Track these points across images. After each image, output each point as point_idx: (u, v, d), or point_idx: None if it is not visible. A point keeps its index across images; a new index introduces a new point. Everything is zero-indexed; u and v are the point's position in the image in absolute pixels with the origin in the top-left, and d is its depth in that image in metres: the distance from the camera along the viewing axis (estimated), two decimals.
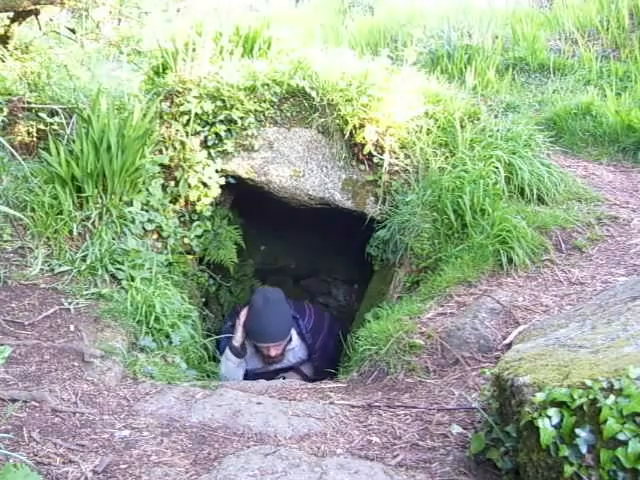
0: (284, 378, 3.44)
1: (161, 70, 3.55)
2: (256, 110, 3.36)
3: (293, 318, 3.40)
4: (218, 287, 3.87)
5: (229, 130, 3.34)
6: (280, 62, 3.58)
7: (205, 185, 3.29)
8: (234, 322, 3.35)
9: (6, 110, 3.03)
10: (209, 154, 3.32)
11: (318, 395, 2.27)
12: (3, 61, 3.45)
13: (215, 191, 3.32)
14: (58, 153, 2.81)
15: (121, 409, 1.93)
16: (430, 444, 1.74)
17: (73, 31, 4.08)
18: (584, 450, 1.20)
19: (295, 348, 3.45)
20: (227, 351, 3.28)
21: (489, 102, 4.54)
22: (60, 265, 2.64)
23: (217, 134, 3.31)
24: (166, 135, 3.24)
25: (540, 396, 1.28)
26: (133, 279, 2.68)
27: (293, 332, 3.40)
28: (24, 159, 2.87)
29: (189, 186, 3.24)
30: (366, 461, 1.64)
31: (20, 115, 3.07)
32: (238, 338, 3.27)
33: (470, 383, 2.07)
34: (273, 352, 3.26)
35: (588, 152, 4.13)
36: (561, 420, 1.24)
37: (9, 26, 3.67)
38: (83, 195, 2.82)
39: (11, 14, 3.61)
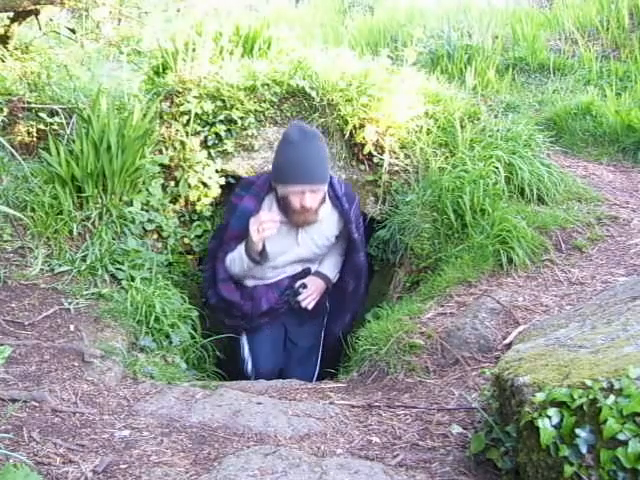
0: (304, 286, 2.95)
1: (161, 70, 3.54)
2: (256, 110, 3.35)
3: None
4: None
5: (229, 130, 3.34)
6: (280, 62, 3.58)
7: (205, 185, 3.29)
8: (244, 195, 2.81)
9: (6, 110, 3.03)
10: (209, 154, 3.32)
11: (318, 395, 2.28)
12: (3, 61, 3.46)
13: (215, 191, 3.32)
14: (58, 153, 2.81)
15: (121, 409, 1.93)
16: (430, 444, 1.74)
17: (73, 31, 4.09)
18: (584, 450, 1.20)
19: (325, 219, 2.83)
20: (243, 254, 2.76)
21: (489, 102, 4.54)
22: (60, 265, 2.64)
23: (217, 134, 3.31)
24: (166, 135, 3.24)
25: (540, 396, 1.28)
26: (133, 279, 2.68)
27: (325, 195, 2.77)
28: (24, 159, 2.87)
29: (189, 186, 3.24)
30: (366, 461, 1.63)
31: (20, 115, 3.07)
32: (257, 247, 2.71)
33: (470, 383, 2.07)
34: (309, 201, 2.61)
35: (588, 152, 4.13)
36: (561, 420, 1.24)
37: (9, 26, 3.67)
38: (83, 195, 2.82)
39: (11, 14, 3.62)
